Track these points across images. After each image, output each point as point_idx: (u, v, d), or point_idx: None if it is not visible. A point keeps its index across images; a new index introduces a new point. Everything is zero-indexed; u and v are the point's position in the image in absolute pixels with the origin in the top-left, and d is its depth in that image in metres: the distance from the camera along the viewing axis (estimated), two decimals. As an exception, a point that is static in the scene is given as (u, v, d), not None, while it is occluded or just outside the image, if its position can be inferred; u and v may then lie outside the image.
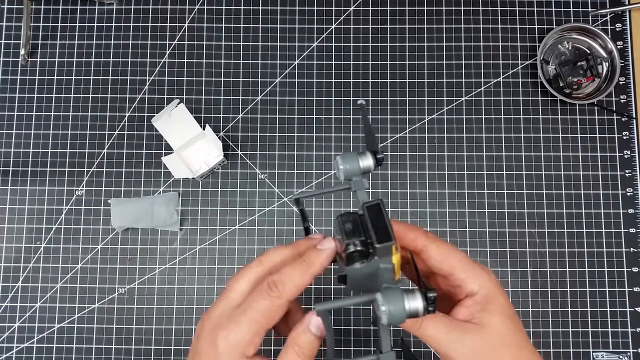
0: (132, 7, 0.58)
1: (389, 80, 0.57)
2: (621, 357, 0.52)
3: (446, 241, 0.35)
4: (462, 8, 0.58)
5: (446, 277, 0.34)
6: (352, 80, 0.57)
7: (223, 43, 0.58)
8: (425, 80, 0.57)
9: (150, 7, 0.58)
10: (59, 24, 0.58)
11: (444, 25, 0.58)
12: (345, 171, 0.37)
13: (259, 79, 0.57)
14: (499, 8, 0.58)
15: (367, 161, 0.36)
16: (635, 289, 0.54)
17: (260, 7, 0.58)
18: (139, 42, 0.58)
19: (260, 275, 0.34)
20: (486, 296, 0.32)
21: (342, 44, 0.58)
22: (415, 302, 0.29)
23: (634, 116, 0.56)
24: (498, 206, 0.55)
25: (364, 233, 0.33)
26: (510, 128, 0.56)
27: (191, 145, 0.54)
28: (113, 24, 0.58)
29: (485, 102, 0.57)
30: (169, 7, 0.58)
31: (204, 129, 0.53)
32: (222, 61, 0.57)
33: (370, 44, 0.58)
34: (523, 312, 0.53)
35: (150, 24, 0.58)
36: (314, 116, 0.56)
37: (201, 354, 0.32)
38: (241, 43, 0.58)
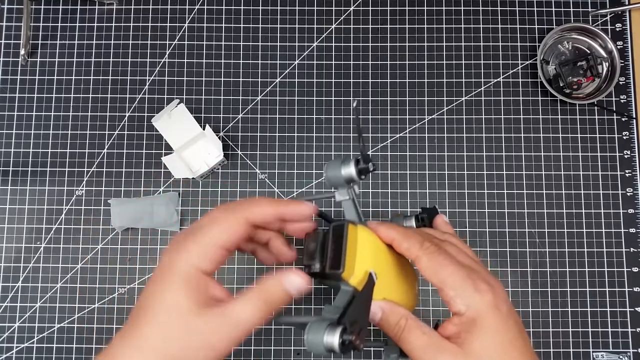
0: (132, 7, 0.58)
1: (389, 80, 0.57)
2: (621, 357, 0.52)
3: (446, 251, 0.33)
4: (462, 8, 0.58)
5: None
6: (352, 80, 0.57)
7: (223, 43, 0.58)
8: (425, 80, 0.57)
9: (150, 7, 0.58)
10: (59, 24, 0.58)
11: (444, 25, 0.58)
12: (327, 179, 0.36)
13: (259, 79, 0.57)
14: (499, 8, 0.58)
15: (348, 170, 0.35)
16: (635, 289, 0.54)
17: (260, 7, 0.58)
18: (139, 42, 0.58)
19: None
20: (473, 319, 0.31)
21: (342, 44, 0.58)
22: (332, 338, 0.29)
23: (634, 116, 0.56)
24: (498, 206, 0.55)
25: (322, 255, 0.33)
26: (510, 128, 0.56)
27: (191, 145, 0.54)
28: (113, 24, 0.58)
29: (485, 102, 0.57)
30: (169, 7, 0.58)
31: (204, 129, 0.53)
32: (222, 61, 0.57)
33: (370, 44, 0.58)
34: (523, 312, 0.53)
35: (150, 24, 0.58)
36: (314, 116, 0.56)
37: (159, 266, 0.32)
38: (241, 43, 0.58)
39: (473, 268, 0.33)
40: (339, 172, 0.35)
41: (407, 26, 0.58)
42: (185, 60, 0.57)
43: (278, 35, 0.58)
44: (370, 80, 0.57)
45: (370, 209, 0.55)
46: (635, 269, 0.54)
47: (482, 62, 0.57)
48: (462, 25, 0.58)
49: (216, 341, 0.30)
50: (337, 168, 0.35)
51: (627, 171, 0.56)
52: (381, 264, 0.35)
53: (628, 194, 0.55)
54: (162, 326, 0.30)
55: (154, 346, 0.30)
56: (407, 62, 0.57)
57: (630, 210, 0.55)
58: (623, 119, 0.56)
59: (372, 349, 0.52)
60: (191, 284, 0.31)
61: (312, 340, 0.29)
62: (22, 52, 0.56)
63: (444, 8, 0.58)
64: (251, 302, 0.32)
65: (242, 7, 0.58)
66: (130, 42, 0.57)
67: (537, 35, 0.58)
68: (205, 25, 0.58)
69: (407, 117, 0.56)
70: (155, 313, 0.31)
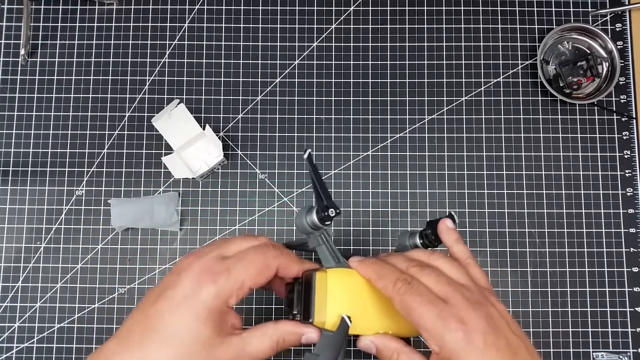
0: (132, 7, 0.58)
1: (389, 80, 0.57)
2: (621, 357, 0.52)
3: (418, 288, 0.33)
4: (462, 8, 0.58)
5: None
6: (352, 80, 0.57)
7: (223, 43, 0.58)
8: (425, 80, 0.57)
9: (150, 7, 0.58)
10: (59, 24, 0.58)
11: (444, 25, 0.58)
12: (297, 228, 0.38)
13: (259, 79, 0.57)
14: (499, 8, 0.58)
15: (312, 218, 0.36)
16: (635, 289, 0.54)
17: (260, 7, 0.58)
18: (139, 42, 0.58)
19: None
20: (447, 358, 0.31)
21: (342, 44, 0.58)
22: None
23: (634, 116, 0.56)
24: (498, 206, 0.55)
25: (299, 306, 0.36)
26: (510, 128, 0.56)
27: (191, 145, 0.54)
28: (113, 24, 0.58)
29: (485, 102, 0.57)
30: (169, 7, 0.58)
31: (204, 129, 0.53)
32: (222, 61, 0.57)
33: (370, 44, 0.58)
34: (523, 312, 0.53)
35: (150, 24, 0.58)
36: (314, 116, 0.56)
37: (177, 289, 0.33)
38: (241, 43, 0.58)
39: (449, 301, 0.32)
40: (304, 222, 0.37)
41: (407, 26, 0.58)
42: (185, 60, 0.57)
43: (278, 35, 0.58)
44: (370, 80, 0.57)
45: (371, 209, 0.55)
46: (635, 269, 0.54)
47: (482, 62, 0.57)
48: (462, 25, 0.58)
49: None
50: (302, 218, 0.37)
51: (627, 171, 0.56)
52: (366, 300, 0.36)
53: (628, 194, 0.55)
54: (176, 349, 0.31)
55: None
56: (407, 62, 0.57)
57: (630, 210, 0.55)
58: (623, 119, 0.56)
59: None
60: (217, 316, 0.33)
61: None
62: (22, 52, 0.56)
63: (444, 8, 0.58)
64: (269, 339, 0.34)
65: (242, 7, 0.58)
66: (130, 42, 0.57)
67: (537, 35, 0.58)
68: (205, 25, 0.58)
69: (407, 117, 0.56)
70: (173, 335, 0.32)
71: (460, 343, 0.30)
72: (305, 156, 0.38)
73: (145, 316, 0.33)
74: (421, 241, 0.40)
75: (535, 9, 0.58)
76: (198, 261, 0.34)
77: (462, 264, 0.36)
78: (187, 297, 0.32)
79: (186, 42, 0.58)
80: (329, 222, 0.36)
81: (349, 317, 0.34)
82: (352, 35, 0.58)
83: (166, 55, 0.57)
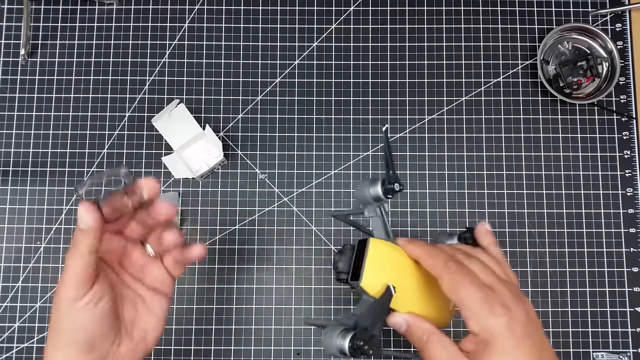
0: (132, 7, 0.58)
1: (389, 80, 0.57)
2: (621, 357, 0.52)
3: (469, 270, 0.34)
4: (462, 8, 0.58)
5: None
6: (352, 80, 0.57)
7: (223, 43, 0.58)
8: (425, 80, 0.57)
9: (150, 7, 0.58)
10: (59, 24, 0.58)
11: (444, 25, 0.58)
12: (357, 198, 0.39)
13: (259, 79, 0.57)
14: (499, 8, 0.58)
15: (375, 189, 0.38)
16: (635, 289, 0.54)
17: (260, 7, 0.58)
18: (139, 42, 0.58)
19: None
20: (486, 340, 0.31)
21: (342, 44, 0.58)
22: (343, 343, 0.32)
23: (634, 116, 0.56)
24: (498, 206, 0.55)
25: (349, 267, 0.37)
26: (510, 128, 0.56)
27: (191, 145, 0.54)
28: (113, 24, 0.58)
29: (485, 102, 0.57)
30: (169, 7, 0.58)
31: (204, 129, 0.53)
32: (222, 61, 0.57)
33: (370, 44, 0.58)
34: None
35: (150, 24, 0.58)
36: (314, 116, 0.56)
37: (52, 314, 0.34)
38: (241, 43, 0.58)
39: (494, 289, 0.33)
40: (367, 192, 0.38)
41: (407, 26, 0.58)
42: (185, 60, 0.57)
43: (278, 35, 0.58)
44: (370, 80, 0.57)
45: (370, 209, 0.55)
46: (635, 269, 0.54)
47: (482, 62, 0.57)
48: (462, 25, 0.58)
49: None
50: (365, 188, 0.38)
51: (627, 171, 0.56)
52: (406, 279, 0.37)
53: (628, 194, 0.55)
54: None
55: None
56: (407, 62, 0.57)
57: (630, 210, 0.55)
58: (623, 119, 0.56)
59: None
60: None
61: (326, 343, 0.32)
62: (22, 52, 0.56)
63: (444, 8, 0.58)
64: None
65: (242, 7, 0.58)
66: (130, 42, 0.57)
67: (537, 35, 0.58)
68: (205, 25, 0.58)
69: (407, 117, 0.56)
70: None
71: (502, 328, 0.31)
72: (384, 129, 0.40)
73: None
74: (458, 243, 0.41)
75: (535, 9, 0.58)
76: None
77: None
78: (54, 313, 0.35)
79: (186, 42, 0.58)
80: (390, 196, 0.37)
81: (394, 287, 0.35)
82: (352, 35, 0.58)
83: (166, 55, 0.57)
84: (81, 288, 0.33)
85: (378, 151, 0.56)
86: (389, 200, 0.40)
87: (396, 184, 0.37)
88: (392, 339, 0.53)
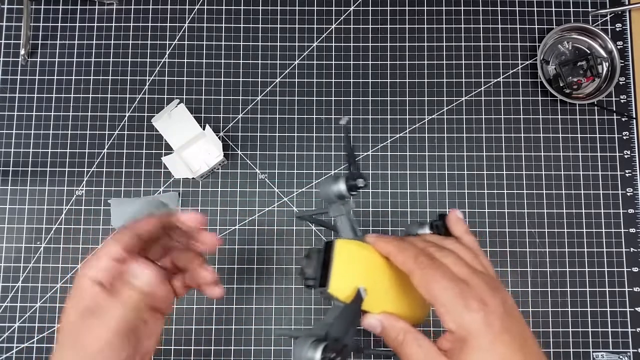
0: (132, 7, 0.58)
1: (389, 80, 0.57)
2: (621, 357, 0.52)
3: (441, 265, 0.33)
4: (462, 8, 0.58)
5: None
6: (352, 80, 0.57)
7: (223, 43, 0.58)
8: (425, 80, 0.57)
9: (150, 7, 0.58)
10: (59, 24, 0.58)
11: (444, 25, 0.58)
12: (321, 196, 0.38)
13: (259, 79, 0.57)
14: (499, 8, 0.58)
15: (338, 187, 0.36)
16: (635, 289, 0.54)
17: (260, 7, 0.58)
18: (139, 42, 0.58)
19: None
20: (462, 338, 0.30)
21: (342, 44, 0.58)
22: (314, 355, 0.30)
23: (634, 116, 0.56)
24: (498, 206, 0.55)
25: (316, 272, 0.35)
26: (510, 128, 0.56)
27: (191, 145, 0.54)
28: (113, 24, 0.58)
29: (485, 102, 0.57)
30: (169, 7, 0.58)
31: (204, 129, 0.53)
32: (222, 61, 0.57)
33: (370, 44, 0.58)
34: (523, 312, 0.53)
35: (150, 24, 0.58)
36: (314, 116, 0.56)
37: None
38: (241, 43, 0.58)
39: (468, 282, 0.32)
40: (330, 190, 0.37)
41: (407, 26, 0.58)
42: (185, 60, 0.57)
43: (278, 35, 0.58)
44: (370, 80, 0.57)
45: (371, 209, 0.55)
46: (635, 269, 0.54)
47: (482, 62, 0.57)
48: (462, 25, 0.58)
49: None
50: (328, 186, 0.37)
51: (627, 171, 0.56)
52: (378, 278, 0.35)
53: (628, 194, 0.55)
54: None
55: None
56: (407, 62, 0.57)
57: (630, 210, 0.55)
58: (623, 119, 0.56)
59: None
60: None
61: (297, 356, 0.31)
62: (22, 52, 0.56)
63: (444, 8, 0.58)
64: None
65: (242, 7, 0.58)
66: (130, 42, 0.57)
67: (537, 35, 0.58)
68: (205, 25, 0.58)
69: (407, 117, 0.56)
70: None
71: (478, 324, 0.30)
72: (343, 122, 0.38)
73: None
74: (430, 232, 0.40)
75: (535, 9, 0.58)
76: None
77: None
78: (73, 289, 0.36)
79: (186, 42, 0.58)
80: (354, 192, 0.36)
81: (365, 290, 0.34)
82: (352, 35, 0.58)
83: (166, 55, 0.57)
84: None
85: (378, 151, 0.56)
86: (352, 197, 0.39)
87: (359, 180, 0.36)
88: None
